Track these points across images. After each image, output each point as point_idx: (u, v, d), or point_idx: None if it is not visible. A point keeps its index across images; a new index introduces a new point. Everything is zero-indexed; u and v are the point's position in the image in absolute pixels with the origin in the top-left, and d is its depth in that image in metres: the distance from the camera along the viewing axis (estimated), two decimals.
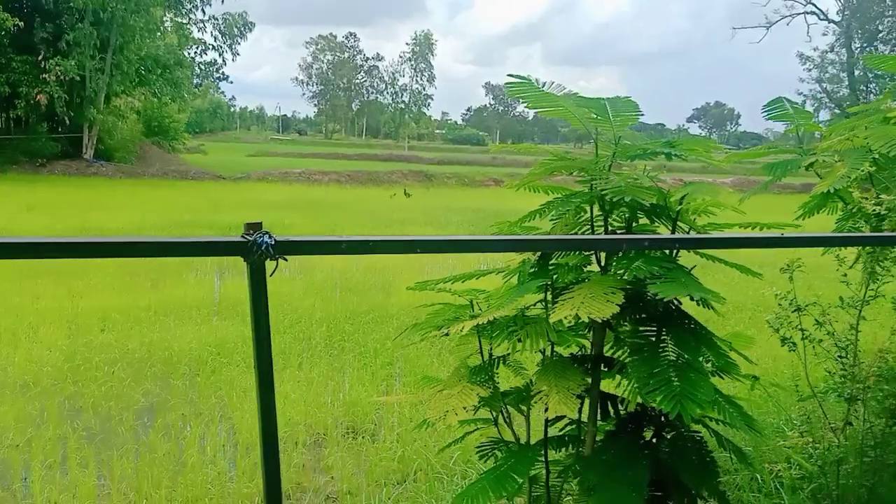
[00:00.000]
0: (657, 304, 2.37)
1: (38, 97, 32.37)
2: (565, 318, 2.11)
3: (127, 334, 8.19)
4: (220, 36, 42.07)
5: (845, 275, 3.25)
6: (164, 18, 38.02)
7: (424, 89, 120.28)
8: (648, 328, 2.38)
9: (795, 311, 3.26)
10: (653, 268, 2.25)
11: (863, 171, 3.17)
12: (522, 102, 2.30)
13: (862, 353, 3.53)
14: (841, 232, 3.27)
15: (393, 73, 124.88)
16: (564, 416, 2.74)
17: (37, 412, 5.81)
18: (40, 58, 32.19)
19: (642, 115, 2.43)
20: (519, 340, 2.46)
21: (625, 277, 2.34)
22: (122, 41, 34.41)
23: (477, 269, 2.67)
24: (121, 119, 39.56)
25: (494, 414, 2.86)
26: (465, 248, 1.65)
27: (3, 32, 31.30)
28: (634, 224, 2.54)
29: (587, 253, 2.48)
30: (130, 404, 6.10)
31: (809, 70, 59.33)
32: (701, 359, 2.29)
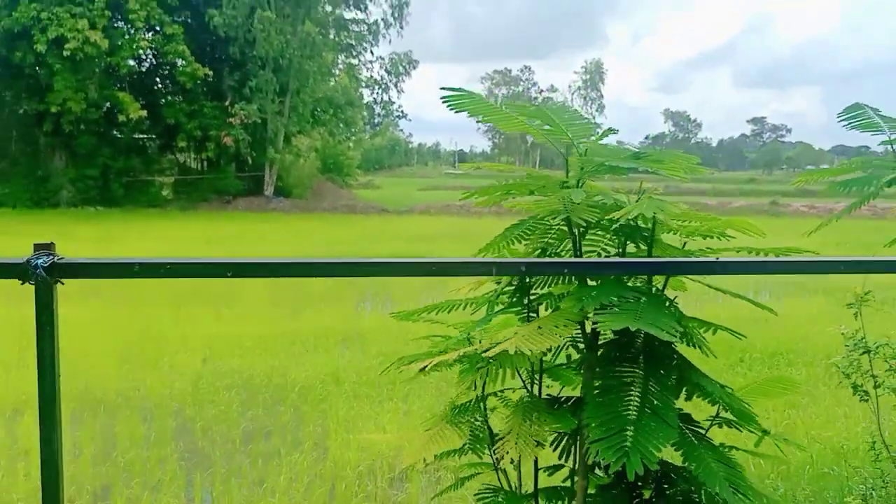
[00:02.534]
0: (637, 340, 2.02)
1: (225, 139, 35.52)
2: (512, 350, 1.85)
3: (253, 361, 8.56)
4: (385, 75, 44.19)
5: None
6: (337, 60, 40.53)
7: (594, 118, 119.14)
8: (624, 367, 2.03)
9: (865, 353, 2.69)
10: (610, 297, 1.92)
11: None
12: (459, 111, 2.09)
13: None
14: None
15: (561, 103, 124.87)
16: (565, 465, 2.43)
17: (150, 433, 6.16)
18: (227, 103, 35.39)
19: (615, 131, 2.13)
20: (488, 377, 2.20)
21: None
22: (298, 85, 37.02)
23: (451, 299, 2.44)
24: (298, 158, 42.45)
25: (495, 457, 2.59)
26: (296, 272, 1.45)
27: (197, 82, 34.79)
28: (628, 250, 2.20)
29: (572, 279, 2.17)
30: (234, 429, 6.32)
31: None
32: (676, 405, 1.91)
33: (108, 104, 34.48)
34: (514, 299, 2.29)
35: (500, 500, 2.39)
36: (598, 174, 2.22)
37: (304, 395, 7.27)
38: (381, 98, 47.93)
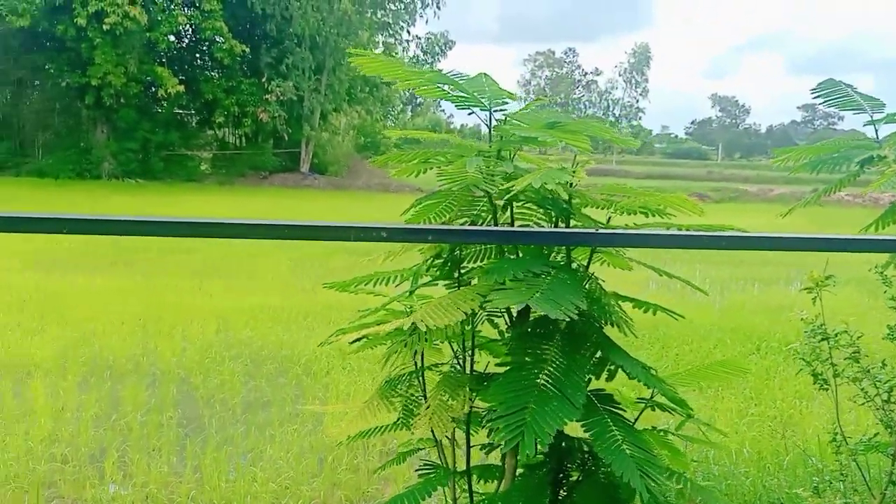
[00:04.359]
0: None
1: (262, 116, 35.84)
2: (408, 325, 1.85)
3: (264, 333, 8.68)
4: (421, 55, 44.03)
5: (894, 298, 2.55)
6: (375, 39, 40.51)
7: (637, 102, 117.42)
8: (539, 345, 2.01)
9: (823, 340, 2.61)
10: (519, 272, 1.90)
11: None
12: (371, 74, 2.09)
13: None
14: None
15: (605, 88, 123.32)
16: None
17: (152, 399, 6.31)
18: (264, 80, 35.66)
19: (544, 101, 2.10)
20: (413, 351, 2.20)
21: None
22: (335, 63, 37.10)
23: (378, 272, 2.44)
24: (335, 135, 42.63)
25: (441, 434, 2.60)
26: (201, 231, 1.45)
27: (234, 58, 35.11)
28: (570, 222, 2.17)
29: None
30: (234, 398, 6.43)
31: None
32: (582, 383, 1.88)
33: (147, 79, 35.01)
34: (445, 272, 2.29)
35: (432, 476, 2.40)
36: (514, 144, 2.19)
37: (309, 367, 7.36)
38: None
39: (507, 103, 2.16)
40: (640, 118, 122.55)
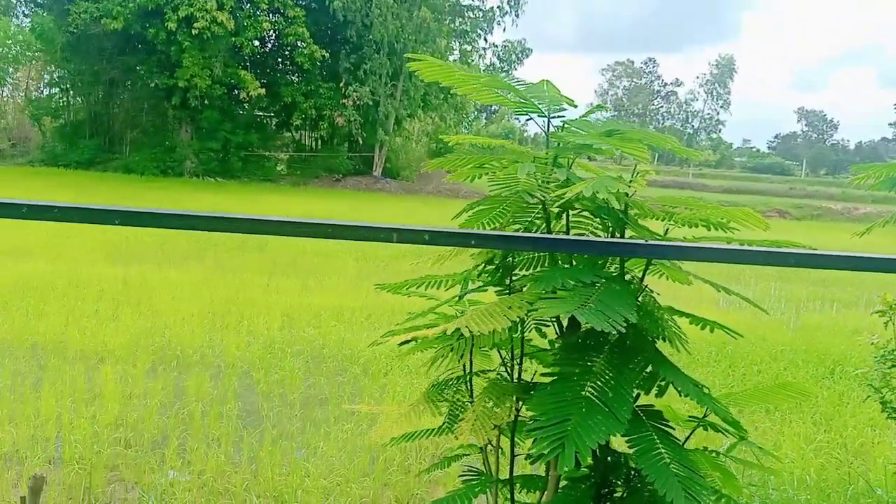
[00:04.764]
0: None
1: (338, 119, 36.52)
2: (451, 330, 1.82)
3: (327, 331, 8.80)
4: (497, 62, 43.98)
5: None
6: (452, 46, 40.74)
7: (718, 115, 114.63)
8: (586, 356, 1.94)
9: (894, 366, 2.44)
10: (567, 280, 1.84)
11: None
12: (430, 80, 2.06)
13: None
14: None
15: (685, 99, 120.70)
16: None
17: (215, 390, 6.46)
18: (341, 84, 36.33)
19: (605, 108, 2.03)
20: (459, 356, 2.18)
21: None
22: (411, 70, 37.47)
23: (430, 275, 2.42)
24: (408, 140, 43.07)
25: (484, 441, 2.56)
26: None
27: (314, 63, 35.92)
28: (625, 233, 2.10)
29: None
30: (293, 393, 6.54)
31: None
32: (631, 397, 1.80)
33: (231, 81, 36.15)
34: (496, 278, 2.25)
35: (474, 483, 2.37)
36: (570, 151, 2.14)
37: (367, 367, 7.42)
38: None
39: (565, 109, 2.12)
40: (719, 131, 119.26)
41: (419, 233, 1.42)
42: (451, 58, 41.23)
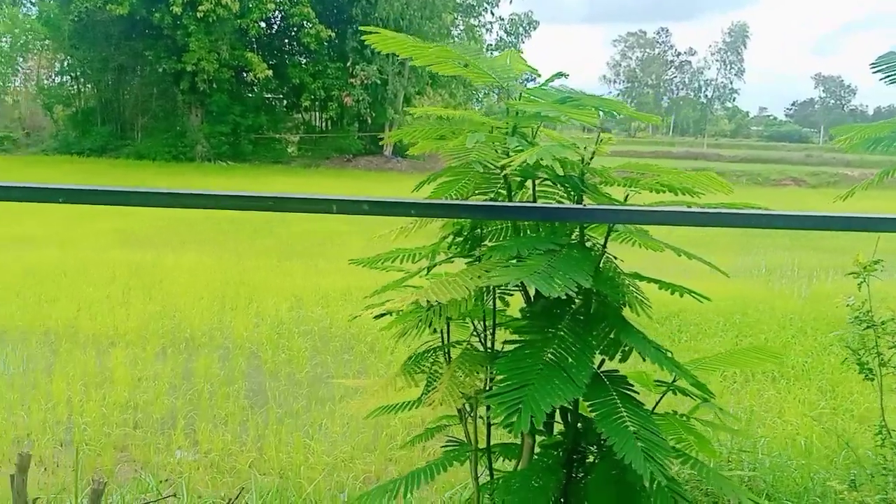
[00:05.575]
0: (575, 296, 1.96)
1: (346, 99, 36.48)
2: (409, 301, 1.87)
3: (335, 311, 8.88)
4: (505, 36, 43.68)
5: None
6: (457, 21, 40.42)
7: (731, 83, 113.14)
8: (549, 323, 1.98)
9: (868, 328, 2.46)
10: (524, 249, 1.88)
11: None
12: (386, 52, 2.10)
13: None
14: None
15: (698, 68, 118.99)
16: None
17: (223, 370, 6.57)
18: (349, 64, 36.23)
19: (565, 75, 2.05)
20: (431, 327, 2.23)
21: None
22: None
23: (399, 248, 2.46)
24: (417, 118, 42.95)
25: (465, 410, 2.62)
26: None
27: (321, 43, 35.83)
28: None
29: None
30: (299, 372, 6.64)
31: None
32: (592, 361, 1.84)
33: (238, 64, 36.16)
34: (465, 249, 2.29)
35: (453, 452, 2.43)
36: (527, 121, 2.16)
37: (374, 345, 7.50)
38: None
39: (527, 79, 2.14)
40: (734, 99, 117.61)
41: (358, 203, 1.45)
42: (454, 32, 40.94)
